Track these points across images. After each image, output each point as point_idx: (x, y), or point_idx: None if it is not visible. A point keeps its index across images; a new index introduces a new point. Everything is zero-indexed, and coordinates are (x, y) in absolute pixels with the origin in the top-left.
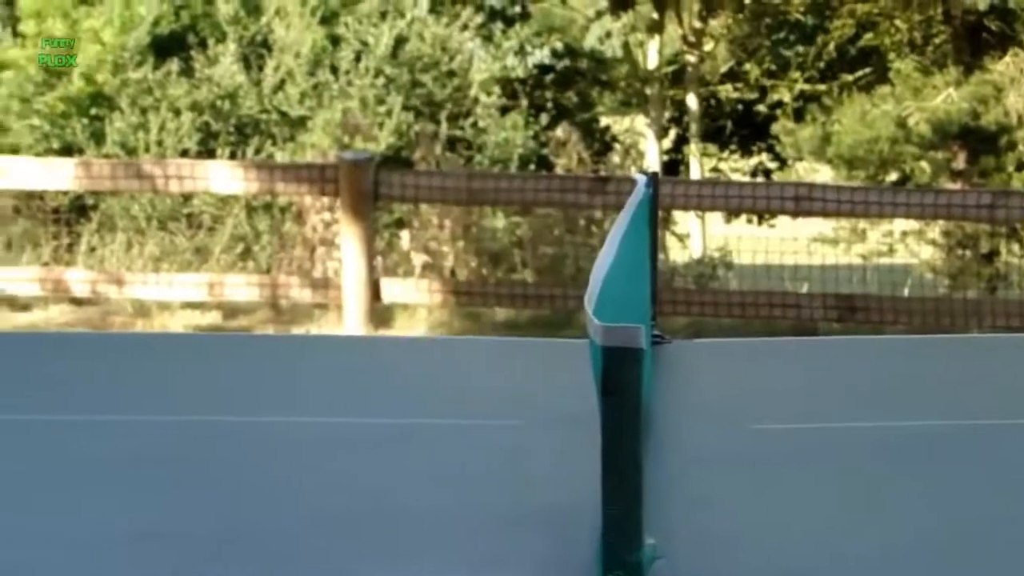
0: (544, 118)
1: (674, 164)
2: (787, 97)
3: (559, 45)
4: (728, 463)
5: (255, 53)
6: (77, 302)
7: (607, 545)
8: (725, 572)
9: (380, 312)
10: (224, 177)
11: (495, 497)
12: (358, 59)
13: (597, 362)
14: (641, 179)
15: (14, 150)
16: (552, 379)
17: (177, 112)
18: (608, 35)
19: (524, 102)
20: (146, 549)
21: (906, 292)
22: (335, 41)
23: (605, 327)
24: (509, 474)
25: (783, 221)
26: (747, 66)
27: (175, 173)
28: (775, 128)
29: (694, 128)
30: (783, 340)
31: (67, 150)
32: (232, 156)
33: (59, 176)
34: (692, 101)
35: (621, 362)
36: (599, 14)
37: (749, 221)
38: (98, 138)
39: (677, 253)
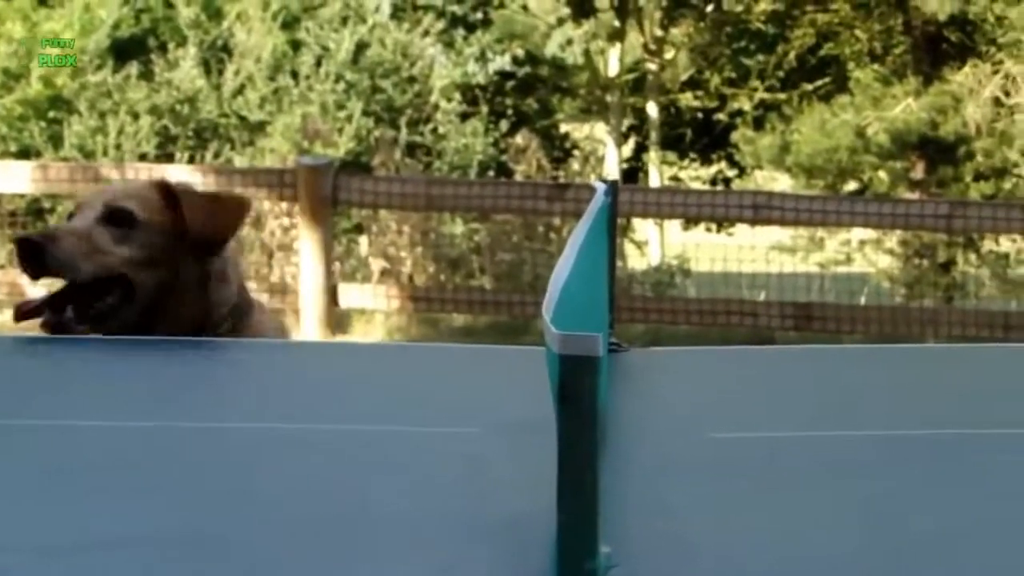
0: (504, 125)
1: (633, 172)
2: (747, 106)
3: (520, 52)
4: (686, 471)
5: (215, 57)
6: None
7: (562, 553)
8: None
9: (337, 317)
10: (184, 181)
11: (452, 504)
12: (319, 64)
13: (554, 370)
14: (601, 187)
15: None
16: (510, 386)
17: (136, 116)
18: (569, 42)
19: (484, 108)
20: (116, 555)
21: (863, 301)
22: (296, 46)
23: (562, 335)
24: (466, 482)
25: (741, 229)
26: (707, 74)
27: (133, 176)
28: (735, 136)
29: (654, 136)
30: (741, 348)
31: (24, 153)
32: (191, 160)
33: (16, 179)
34: (652, 109)
35: (578, 370)
36: (561, 21)
37: (708, 229)
38: (56, 141)
39: (635, 260)
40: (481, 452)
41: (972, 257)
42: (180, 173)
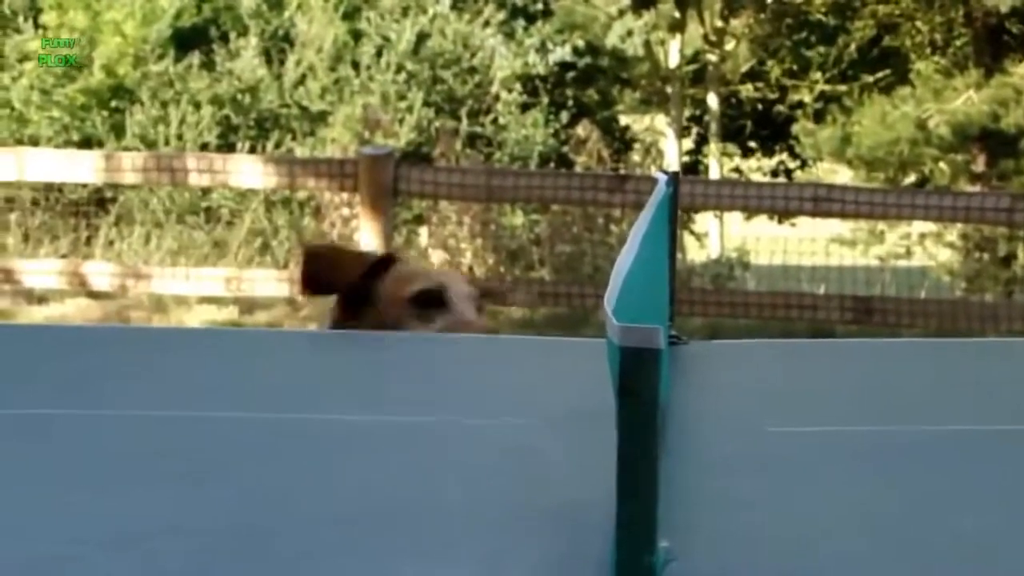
0: (564, 116)
1: (694, 163)
2: (807, 97)
3: (580, 43)
4: (744, 465)
5: (276, 47)
6: (94, 296)
7: (620, 546)
8: (740, 573)
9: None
10: (244, 171)
11: (507, 495)
12: (379, 54)
13: (614, 362)
14: (662, 178)
15: (34, 142)
16: (569, 378)
17: (197, 105)
18: (630, 33)
19: (545, 99)
20: (161, 545)
21: (923, 294)
22: (357, 36)
23: (623, 327)
24: (521, 472)
25: (802, 221)
26: (768, 66)
27: (196, 166)
28: (795, 128)
29: (714, 127)
30: (800, 342)
31: (87, 142)
32: (252, 150)
33: (79, 168)
34: (712, 100)
35: (639, 362)
36: (621, 12)
37: (769, 220)
38: (118, 131)
39: (695, 252)
40: (538, 443)
41: None
42: (243, 163)
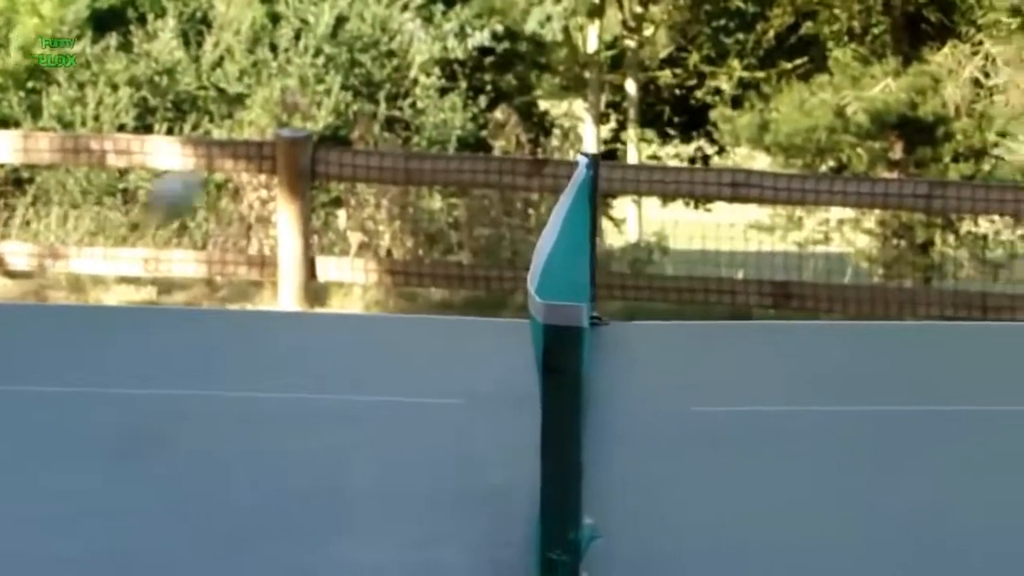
0: (483, 100)
1: (612, 149)
2: (726, 84)
3: (499, 27)
4: (668, 444)
5: (194, 29)
6: (12, 275)
7: (545, 524)
8: (663, 551)
9: (315, 290)
10: (162, 153)
11: (436, 475)
12: (298, 37)
13: (538, 340)
14: (583, 160)
15: None
16: (489, 359)
17: (115, 87)
18: (549, 18)
19: (463, 84)
20: (95, 523)
21: (845, 280)
22: (275, 19)
23: (547, 305)
24: (450, 453)
25: (719, 207)
26: (687, 52)
27: (113, 148)
28: (713, 115)
29: (632, 113)
30: (720, 324)
31: (3, 123)
32: (169, 132)
33: None
34: (631, 86)
35: (562, 340)
36: None
37: (686, 205)
38: (35, 112)
39: (613, 237)
40: (463, 423)
41: (950, 238)
42: (161, 144)
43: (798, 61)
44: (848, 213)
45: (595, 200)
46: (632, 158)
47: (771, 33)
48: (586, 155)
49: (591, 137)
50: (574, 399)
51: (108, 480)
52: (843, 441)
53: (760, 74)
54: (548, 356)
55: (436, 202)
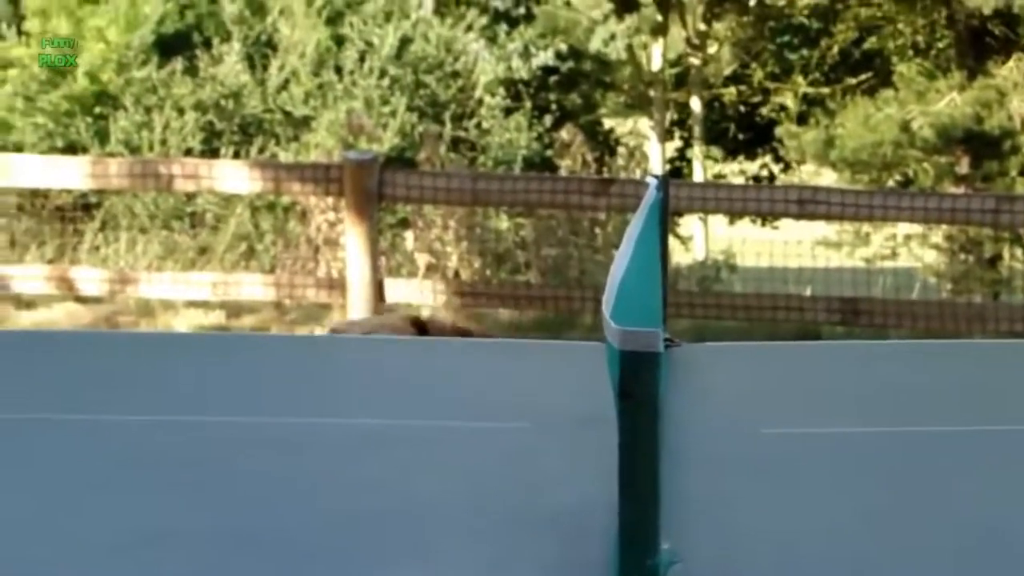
0: (548, 120)
1: (678, 167)
2: (790, 100)
3: (563, 47)
4: (741, 467)
5: (259, 52)
6: (82, 300)
7: (623, 549)
8: (739, 573)
9: (384, 312)
10: (229, 176)
11: (504, 499)
12: (362, 59)
13: (614, 366)
14: (653, 181)
15: (19, 148)
16: (560, 381)
17: (181, 111)
18: (612, 37)
19: (528, 104)
20: (155, 550)
21: (913, 296)
22: (340, 41)
23: (623, 331)
24: (517, 477)
25: (786, 224)
26: (751, 69)
27: (181, 172)
28: (778, 131)
29: (697, 131)
30: (790, 344)
31: (71, 148)
32: (236, 155)
33: (64, 174)
34: (696, 104)
35: (639, 366)
36: (604, 16)
37: (753, 223)
38: (102, 137)
39: (680, 255)
40: (532, 447)
41: (1019, 252)
42: (228, 168)
43: (863, 76)
44: (915, 228)
45: (666, 221)
46: (698, 176)
47: (835, 49)
48: (656, 176)
49: (656, 155)
50: (651, 424)
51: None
52: (916, 461)
53: (825, 90)
54: (625, 381)
55: (503, 222)
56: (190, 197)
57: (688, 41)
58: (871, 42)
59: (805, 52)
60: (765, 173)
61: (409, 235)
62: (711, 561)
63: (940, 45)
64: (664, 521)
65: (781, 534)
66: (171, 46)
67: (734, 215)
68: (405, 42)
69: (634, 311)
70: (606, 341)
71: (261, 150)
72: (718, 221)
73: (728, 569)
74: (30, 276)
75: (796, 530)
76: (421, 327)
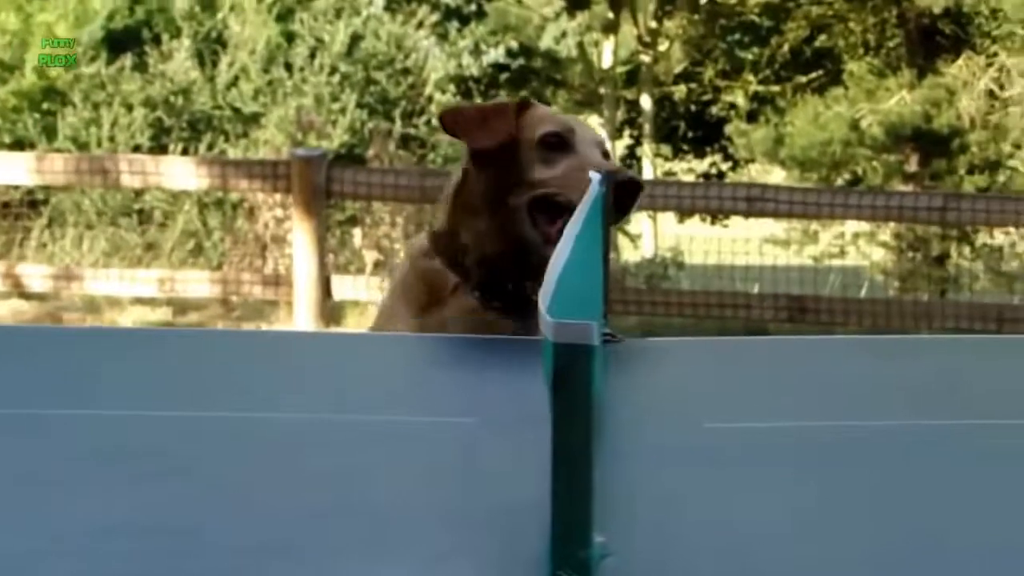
0: None
1: (628, 165)
2: (741, 98)
3: (514, 44)
4: (680, 461)
5: (209, 49)
6: (27, 297)
7: (556, 542)
8: (676, 570)
9: (331, 309)
10: (177, 173)
11: (446, 495)
12: (313, 56)
13: (548, 358)
14: (596, 177)
15: None
16: (503, 377)
17: (130, 107)
18: (563, 35)
19: (479, 101)
20: (115, 545)
21: (861, 294)
22: (290, 38)
23: (557, 323)
24: (460, 472)
25: (735, 222)
26: (701, 67)
27: (128, 168)
28: (728, 129)
29: (648, 128)
30: (735, 339)
31: (18, 144)
32: (184, 152)
33: (11, 170)
34: (646, 102)
35: (572, 359)
36: (556, 14)
37: (702, 220)
38: (50, 133)
39: (629, 253)
40: (476, 442)
41: (966, 250)
42: (176, 164)
43: (813, 75)
44: (863, 226)
45: (608, 217)
46: (647, 173)
47: (786, 47)
48: (599, 171)
49: None
50: (585, 417)
51: (121, 502)
52: (857, 456)
53: (775, 88)
54: (558, 375)
55: None
56: (138, 194)
57: (639, 39)
58: (822, 40)
59: (756, 50)
60: (715, 171)
61: (357, 232)
62: (647, 554)
63: (890, 44)
64: (600, 514)
65: (720, 527)
66: (120, 42)
67: (683, 213)
68: (356, 39)
69: (571, 305)
70: (541, 335)
71: (210, 147)
72: (667, 219)
73: (662, 563)
74: None
75: (735, 523)
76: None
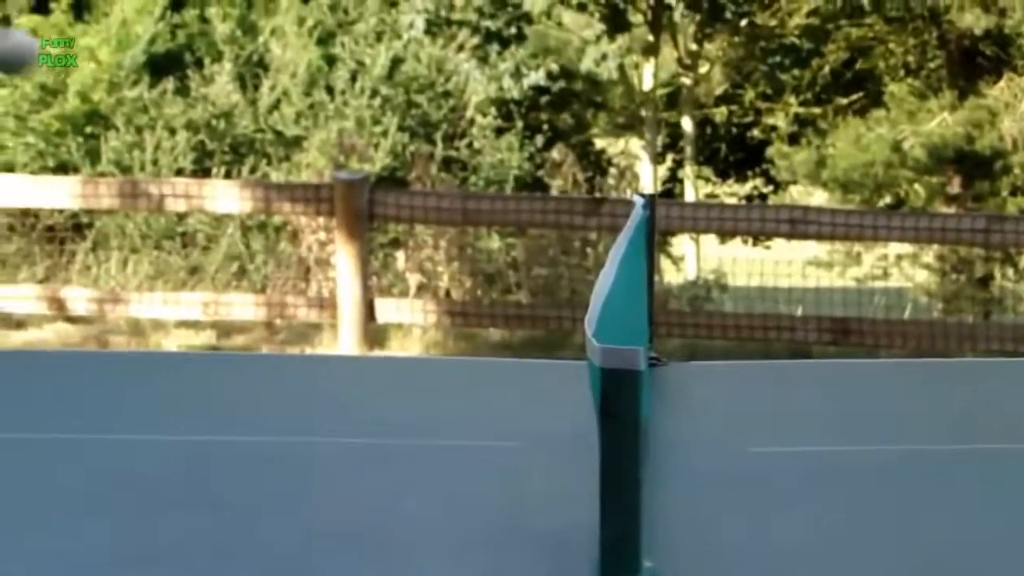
0: (539, 140)
1: (670, 187)
2: (782, 121)
3: (554, 67)
4: (726, 486)
5: (251, 72)
6: (72, 320)
7: (604, 566)
8: None
9: (375, 332)
10: (220, 196)
11: (492, 518)
12: (354, 79)
13: (596, 384)
14: (639, 200)
15: (9, 168)
16: (548, 400)
17: (172, 131)
18: (604, 57)
19: (519, 124)
20: (147, 570)
21: (905, 315)
22: (331, 61)
23: (604, 348)
24: (505, 495)
25: (778, 244)
26: (742, 89)
27: (172, 192)
28: (770, 152)
29: (689, 151)
30: (779, 363)
31: (62, 168)
32: (227, 175)
33: (55, 194)
34: (687, 124)
35: (620, 384)
36: (596, 37)
37: (744, 243)
38: (93, 157)
39: (672, 275)
40: (521, 466)
41: (1010, 272)
42: (219, 187)
43: (854, 97)
44: (907, 248)
45: (652, 240)
46: (689, 196)
47: (826, 69)
48: (642, 195)
49: (648, 175)
50: (633, 442)
51: (167, 522)
52: (902, 480)
53: (816, 110)
54: (606, 400)
55: (494, 242)
56: (181, 217)
57: (679, 61)
58: (862, 62)
59: (796, 72)
60: (756, 193)
61: (400, 255)
62: None
63: (931, 65)
64: (647, 539)
65: (767, 552)
66: (162, 66)
67: (725, 235)
68: (396, 62)
69: (618, 329)
70: (588, 360)
71: (252, 170)
72: (709, 241)
73: None
74: (20, 296)
75: (782, 548)
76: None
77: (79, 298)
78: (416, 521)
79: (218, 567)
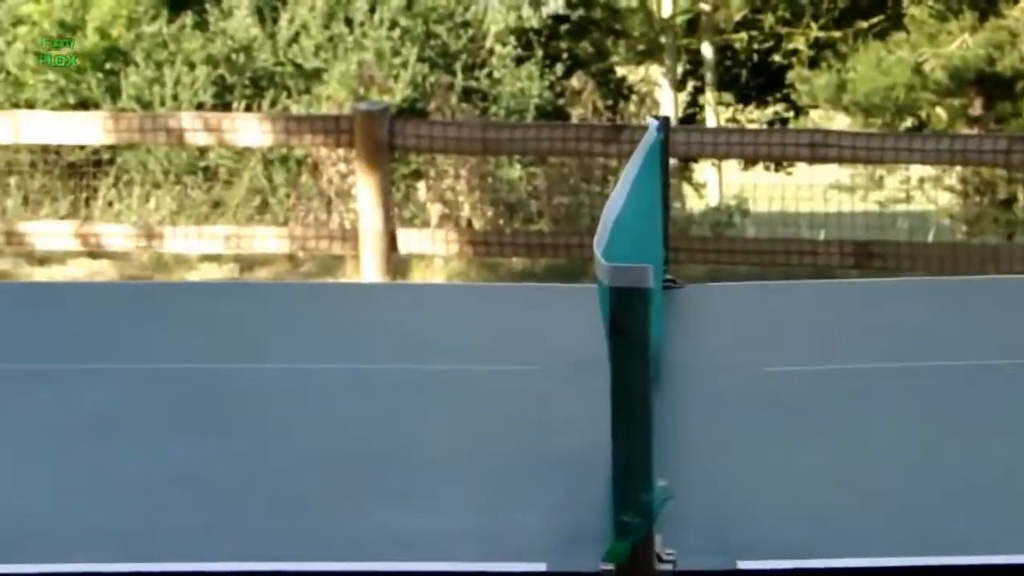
0: (559, 68)
1: (691, 114)
2: (802, 45)
3: None
4: (740, 405)
5: (269, 6)
6: (95, 256)
7: (618, 486)
8: (737, 513)
9: (397, 263)
10: (241, 130)
11: (510, 441)
12: (372, 11)
13: (605, 303)
14: (653, 123)
15: (30, 105)
16: (568, 325)
17: (192, 66)
18: None
19: (539, 52)
20: (166, 494)
21: (928, 238)
22: None
23: (612, 267)
24: (524, 418)
25: (800, 169)
26: (761, 14)
27: (192, 126)
28: (790, 76)
29: (709, 77)
30: (796, 283)
31: (82, 105)
32: (248, 109)
33: (77, 130)
34: (707, 50)
35: (628, 302)
36: None
37: (766, 168)
38: (113, 93)
39: (694, 202)
40: (540, 389)
41: None
42: (240, 121)
43: (874, 20)
44: (929, 171)
45: (666, 163)
46: (711, 122)
47: None
48: (656, 117)
49: (668, 102)
50: (642, 361)
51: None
52: (922, 397)
53: (836, 34)
54: (614, 318)
55: (515, 171)
56: (203, 151)
57: None
58: None
59: None
60: (778, 119)
61: (421, 185)
62: (707, 498)
63: None
64: (662, 457)
65: (779, 471)
66: (181, 1)
67: (747, 160)
68: None
69: (628, 249)
70: (598, 280)
71: (273, 103)
72: (731, 167)
73: (723, 506)
74: (44, 232)
75: (795, 468)
76: None
77: (103, 233)
78: (436, 442)
79: (243, 491)
